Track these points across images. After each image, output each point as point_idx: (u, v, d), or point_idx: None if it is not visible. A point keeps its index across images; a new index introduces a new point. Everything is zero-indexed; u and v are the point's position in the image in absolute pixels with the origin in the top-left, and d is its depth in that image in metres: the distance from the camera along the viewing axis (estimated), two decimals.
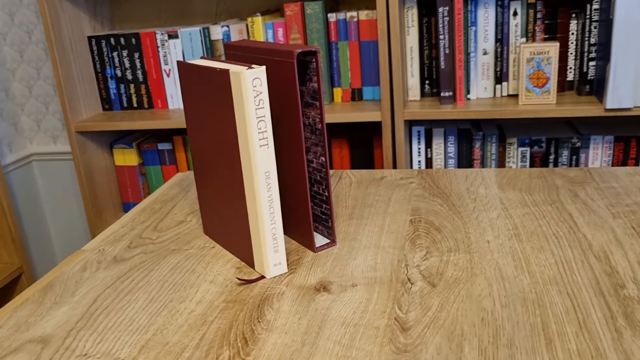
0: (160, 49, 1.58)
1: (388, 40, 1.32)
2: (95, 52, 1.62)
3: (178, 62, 0.72)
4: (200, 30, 1.54)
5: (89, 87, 1.64)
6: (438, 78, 1.45)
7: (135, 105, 1.66)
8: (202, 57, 0.73)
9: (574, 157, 1.41)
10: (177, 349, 0.54)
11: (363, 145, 1.54)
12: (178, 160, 1.68)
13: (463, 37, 1.34)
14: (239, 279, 0.64)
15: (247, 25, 1.50)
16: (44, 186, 1.99)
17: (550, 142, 1.41)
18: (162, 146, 1.68)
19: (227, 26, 1.52)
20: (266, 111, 0.60)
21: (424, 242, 0.70)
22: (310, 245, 0.71)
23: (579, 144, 1.39)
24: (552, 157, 1.42)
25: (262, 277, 0.66)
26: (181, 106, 1.63)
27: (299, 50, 0.63)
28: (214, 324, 0.58)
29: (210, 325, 0.58)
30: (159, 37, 1.57)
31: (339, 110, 1.42)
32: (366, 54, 1.47)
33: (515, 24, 1.37)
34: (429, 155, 1.49)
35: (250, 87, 0.59)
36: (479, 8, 1.37)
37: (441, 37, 1.34)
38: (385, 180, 0.92)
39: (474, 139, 1.45)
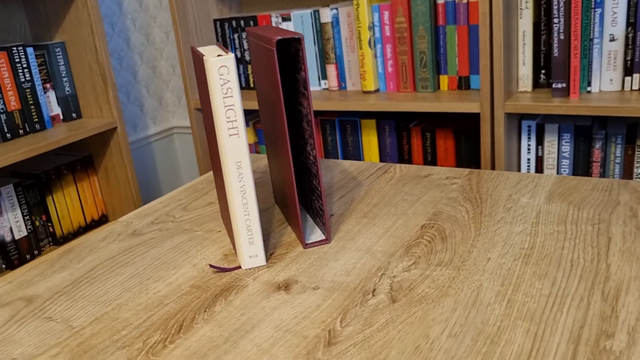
0: None
1: (490, 23, 1.20)
2: (219, 34, 1.72)
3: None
4: (311, 12, 1.55)
5: None
6: (550, 67, 1.28)
7: (251, 85, 1.73)
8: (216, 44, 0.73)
9: None
10: (120, 326, 0.56)
11: (470, 138, 1.43)
12: None
13: (581, 21, 1.17)
14: (211, 266, 0.64)
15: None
16: (182, 156, 2.18)
17: None
18: None
19: (337, 9, 1.51)
20: (235, 100, 0.59)
21: (419, 251, 0.64)
22: (301, 240, 0.68)
23: None
24: None
25: (239, 267, 0.65)
26: None
27: (279, 37, 0.60)
28: (166, 307, 0.59)
29: (162, 307, 0.59)
30: (273, 19, 1.61)
31: (443, 99, 1.33)
32: (475, 40, 1.36)
33: None
34: (540, 154, 1.33)
35: (217, 75, 0.58)
36: None
37: (555, 20, 1.19)
38: (428, 179, 0.84)
39: (594, 138, 1.27)
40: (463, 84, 1.41)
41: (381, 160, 1.57)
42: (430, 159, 1.50)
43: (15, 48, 1.44)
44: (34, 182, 1.52)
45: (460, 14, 1.35)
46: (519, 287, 0.55)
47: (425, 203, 0.76)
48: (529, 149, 1.34)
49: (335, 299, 0.57)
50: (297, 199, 0.66)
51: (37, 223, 1.54)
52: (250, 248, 0.64)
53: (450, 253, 0.63)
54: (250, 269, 0.65)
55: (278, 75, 0.61)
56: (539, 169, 1.34)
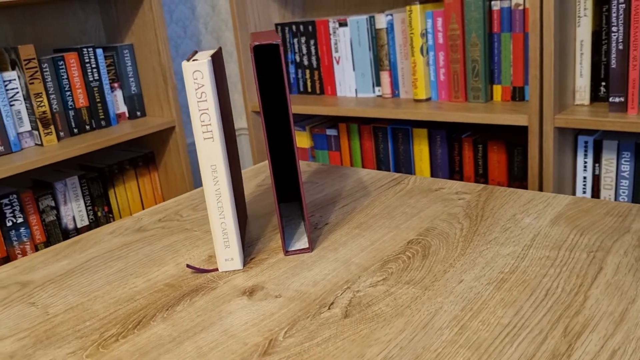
0: (332, 36, 1.63)
1: (541, 31, 1.13)
2: (280, 38, 1.75)
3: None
4: (367, 18, 1.54)
5: None
6: (608, 79, 1.19)
7: (309, 90, 1.74)
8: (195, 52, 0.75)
9: None
10: (87, 316, 0.59)
11: (524, 152, 1.35)
12: (342, 147, 1.71)
13: None
14: (188, 266, 0.65)
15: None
16: (242, 157, 2.23)
17: None
18: (329, 132, 1.73)
19: (391, 15, 1.48)
20: (210, 104, 0.60)
21: (395, 267, 0.61)
22: (283, 247, 0.68)
23: None
24: None
25: (216, 269, 0.66)
26: (348, 94, 1.66)
27: (257, 43, 0.60)
28: (135, 303, 0.61)
29: (132, 303, 0.61)
30: (331, 25, 1.62)
31: (494, 110, 1.27)
32: None
33: None
34: (597, 173, 1.24)
35: (191, 79, 0.59)
36: None
37: (614, 29, 1.10)
38: (437, 193, 0.81)
39: None
40: (517, 95, 1.34)
41: (432, 172, 1.52)
42: (482, 172, 1.43)
43: (85, 49, 1.54)
44: (98, 175, 1.62)
45: (516, 21, 1.28)
46: (479, 314, 0.51)
47: (423, 217, 0.73)
48: (585, 167, 1.25)
49: (291, 309, 0.56)
50: (277, 205, 0.66)
51: (99, 214, 1.64)
52: (226, 251, 0.65)
53: (425, 271, 0.60)
54: (225, 272, 0.65)
55: (256, 80, 0.61)
56: (596, 188, 1.25)
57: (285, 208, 0.80)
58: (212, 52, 0.69)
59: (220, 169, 0.62)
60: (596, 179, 1.25)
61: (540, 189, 1.24)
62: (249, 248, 0.71)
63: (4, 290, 0.67)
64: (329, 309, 0.55)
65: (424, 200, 0.79)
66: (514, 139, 1.38)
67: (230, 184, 0.63)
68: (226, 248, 0.64)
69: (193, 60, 0.59)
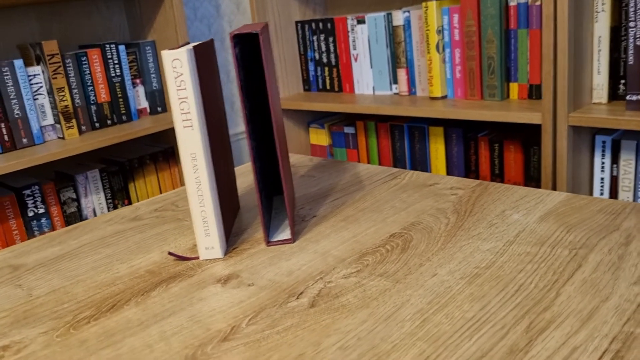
0: (350, 33, 1.62)
1: (554, 27, 1.10)
2: (300, 35, 1.75)
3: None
4: (384, 15, 1.52)
5: (291, 68, 1.78)
6: (625, 76, 1.15)
7: (328, 87, 1.74)
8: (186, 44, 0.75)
9: None
10: (66, 298, 0.60)
11: (541, 151, 1.32)
12: (359, 145, 1.70)
13: None
14: (170, 253, 0.66)
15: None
16: None
17: None
18: (347, 130, 1.73)
19: (409, 12, 1.47)
20: (189, 92, 0.60)
21: (371, 259, 0.61)
22: (265, 237, 0.68)
23: None
24: None
25: (197, 257, 0.66)
26: (365, 91, 1.65)
27: (236, 32, 0.60)
28: (114, 287, 0.62)
29: (111, 287, 0.62)
30: (349, 22, 1.61)
31: (509, 108, 1.25)
32: None
33: None
34: (615, 173, 1.20)
35: (170, 67, 0.59)
36: None
37: (631, 23, 1.06)
38: (431, 188, 0.80)
39: None
40: (534, 93, 1.31)
41: (448, 171, 1.50)
42: (498, 172, 1.40)
43: (108, 45, 1.58)
44: (119, 169, 1.66)
45: (533, 17, 1.25)
46: (445, 307, 0.50)
47: (411, 212, 0.72)
48: (602, 168, 1.21)
49: (260, 298, 0.56)
50: (259, 196, 0.66)
51: (119, 206, 1.67)
52: (206, 240, 0.65)
53: (400, 264, 0.59)
54: (206, 260, 0.66)
55: (237, 70, 0.61)
56: (614, 190, 1.21)
57: (278, 200, 0.80)
58: (204, 42, 0.70)
59: (200, 157, 0.62)
60: (614, 180, 1.20)
61: (554, 189, 1.20)
62: (234, 238, 0.71)
63: None
64: (297, 298, 0.55)
65: (416, 195, 0.78)
66: (530, 138, 1.35)
67: (211, 173, 0.64)
68: (206, 236, 0.65)
69: (174, 48, 0.60)
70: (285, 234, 0.69)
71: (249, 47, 0.73)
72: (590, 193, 1.26)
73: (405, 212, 0.72)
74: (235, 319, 0.52)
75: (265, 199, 0.74)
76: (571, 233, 0.61)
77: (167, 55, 0.59)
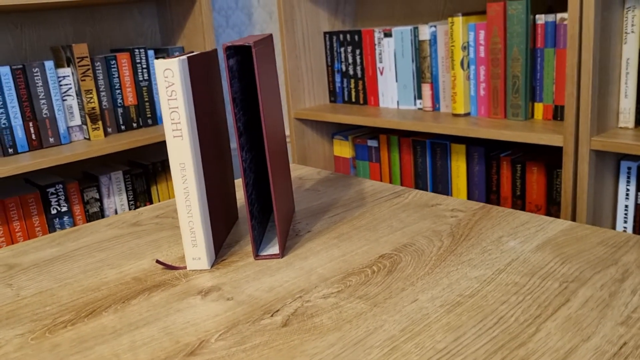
0: (377, 46, 1.61)
1: (579, 47, 1.07)
2: (328, 47, 1.75)
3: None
4: (411, 29, 1.51)
5: (318, 79, 1.77)
6: None
7: (353, 99, 1.73)
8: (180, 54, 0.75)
9: None
10: (49, 301, 0.61)
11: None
12: (382, 158, 1.69)
13: None
14: (157, 261, 0.66)
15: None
16: None
17: None
18: (371, 143, 1.71)
19: (435, 26, 1.45)
20: (180, 103, 0.60)
21: (355, 280, 0.59)
22: (253, 251, 0.67)
23: None
24: None
25: (184, 267, 0.66)
26: (390, 105, 1.63)
27: (229, 44, 0.60)
28: (98, 293, 0.62)
29: (95, 293, 0.62)
30: (376, 35, 1.60)
31: (532, 129, 1.21)
32: None
33: None
34: None
35: (162, 77, 0.60)
36: None
37: None
38: (432, 209, 0.78)
39: None
40: (559, 114, 1.27)
41: (469, 191, 1.47)
42: (520, 193, 1.36)
43: (137, 50, 1.61)
44: (143, 172, 1.68)
45: (561, 36, 1.22)
46: (417, 336, 0.48)
47: (406, 232, 0.70)
48: (627, 195, 1.16)
49: (236, 313, 0.55)
50: (249, 209, 0.65)
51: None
52: (193, 250, 0.65)
53: (383, 287, 0.57)
54: (192, 270, 0.65)
55: (228, 81, 0.61)
56: (639, 219, 1.16)
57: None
58: (207, 51, 0.70)
59: (189, 167, 0.62)
60: (639, 209, 1.15)
61: (574, 215, 1.16)
62: (225, 249, 0.71)
63: None
64: (271, 316, 0.54)
65: (415, 215, 0.76)
66: (554, 160, 1.31)
67: (201, 183, 0.64)
68: (194, 247, 0.65)
69: (165, 57, 0.60)
70: (274, 248, 0.68)
71: (250, 58, 0.73)
72: (614, 221, 1.21)
73: (400, 232, 0.71)
74: (206, 333, 0.52)
75: (263, 213, 0.74)
76: (565, 265, 0.59)
77: (159, 65, 0.59)
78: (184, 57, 0.61)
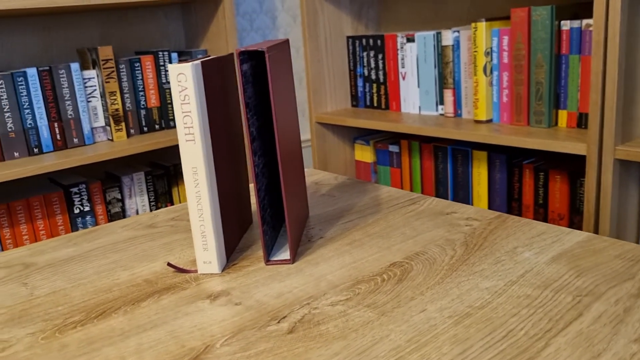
0: (399, 51, 1.60)
1: (604, 53, 1.05)
2: (351, 51, 1.74)
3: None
4: (433, 35, 1.50)
5: (340, 83, 1.77)
6: None
7: (375, 104, 1.72)
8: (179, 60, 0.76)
9: None
10: (62, 301, 0.61)
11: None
12: (403, 164, 1.67)
13: None
14: (169, 264, 0.66)
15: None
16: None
17: None
18: (392, 148, 1.70)
19: (458, 32, 1.43)
20: (193, 107, 0.60)
21: (364, 288, 0.59)
22: (264, 256, 0.67)
23: None
24: None
25: (196, 271, 0.66)
26: (412, 111, 1.62)
27: (242, 49, 0.60)
28: (109, 294, 0.62)
29: (107, 294, 0.63)
30: (399, 40, 1.59)
31: (555, 137, 1.19)
32: None
33: None
34: None
35: (175, 81, 0.60)
36: None
37: None
38: (447, 217, 0.77)
39: None
40: (583, 122, 1.24)
41: (490, 199, 1.45)
42: (542, 202, 1.34)
43: (161, 53, 1.63)
44: (164, 173, 1.70)
45: (586, 43, 1.19)
46: (423, 347, 0.48)
47: (419, 240, 0.70)
48: None
49: (243, 318, 0.55)
50: (260, 214, 0.65)
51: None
52: (204, 254, 0.65)
53: (392, 296, 0.57)
54: (203, 274, 0.66)
55: (242, 86, 0.61)
56: None
57: None
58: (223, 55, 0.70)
59: (201, 171, 0.62)
60: None
61: (597, 226, 1.13)
62: (237, 253, 0.71)
63: (8, 269, 0.72)
64: (278, 322, 0.54)
65: (429, 224, 0.75)
66: (578, 168, 1.28)
67: (213, 187, 0.64)
68: (204, 251, 0.65)
69: (180, 62, 0.60)
70: (286, 254, 0.68)
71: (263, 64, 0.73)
72: (638, 232, 1.18)
73: (413, 240, 0.70)
74: (212, 338, 0.52)
75: (276, 217, 0.74)
76: (580, 278, 0.57)
77: (172, 69, 0.60)
78: (198, 61, 0.61)
